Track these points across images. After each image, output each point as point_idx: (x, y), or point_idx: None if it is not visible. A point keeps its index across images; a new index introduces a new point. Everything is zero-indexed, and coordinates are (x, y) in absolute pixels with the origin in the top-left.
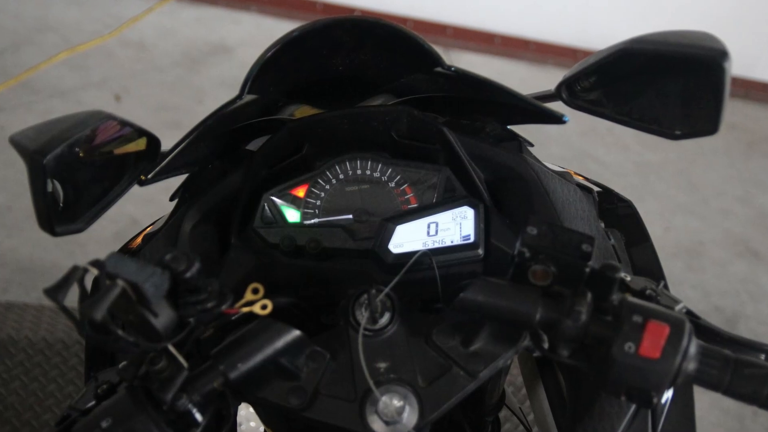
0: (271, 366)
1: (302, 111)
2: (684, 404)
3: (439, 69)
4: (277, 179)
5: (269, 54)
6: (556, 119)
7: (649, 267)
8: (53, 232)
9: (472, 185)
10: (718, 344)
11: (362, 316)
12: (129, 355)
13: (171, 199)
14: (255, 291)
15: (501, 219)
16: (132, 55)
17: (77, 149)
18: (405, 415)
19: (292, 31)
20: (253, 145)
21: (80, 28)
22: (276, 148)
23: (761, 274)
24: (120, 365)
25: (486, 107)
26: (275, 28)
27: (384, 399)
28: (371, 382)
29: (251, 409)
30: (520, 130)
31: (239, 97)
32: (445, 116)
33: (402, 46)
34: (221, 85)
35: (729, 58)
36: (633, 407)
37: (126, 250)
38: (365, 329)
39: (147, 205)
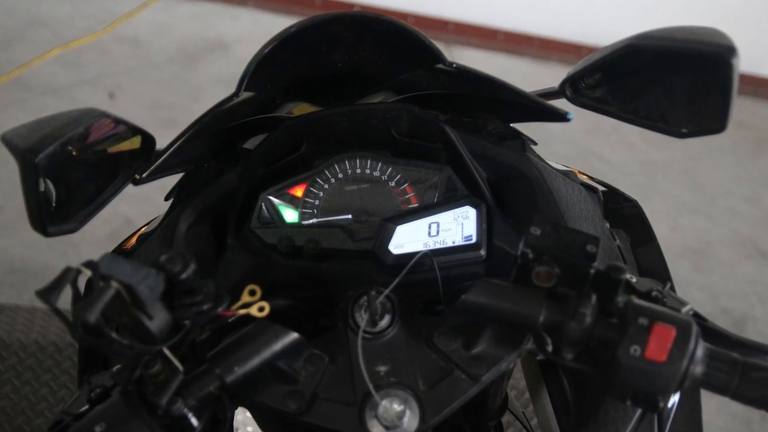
0: (269, 369)
1: (300, 108)
2: (691, 408)
3: (440, 66)
4: (275, 178)
5: (267, 50)
6: (560, 117)
7: (655, 268)
8: (45, 233)
9: (474, 184)
10: (726, 347)
11: (362, 318)
12: (123, 358)
13: (166, 199)
14: (252, 293)
15: (504, 219)
16: (126, 51)
17: (70, 148)
18: (405, 419)
19: (290, 27)
20: (250, 144)
21: (73, 24)
22: (273, 146)
23: None
24: (114, 368)
25: (488, 105)
26: (273, 24)
27: (384, 403)
28: (371, 386)
29: (248, 414)
30: (523, 128)
31: (236, 94)
32: (447, 114)
33: (402, 43)
34: (218, 82)
35: (737, 54)
36: (639, 412)
37: (120, 250)
38: (365, 332)
39: (141, 204)
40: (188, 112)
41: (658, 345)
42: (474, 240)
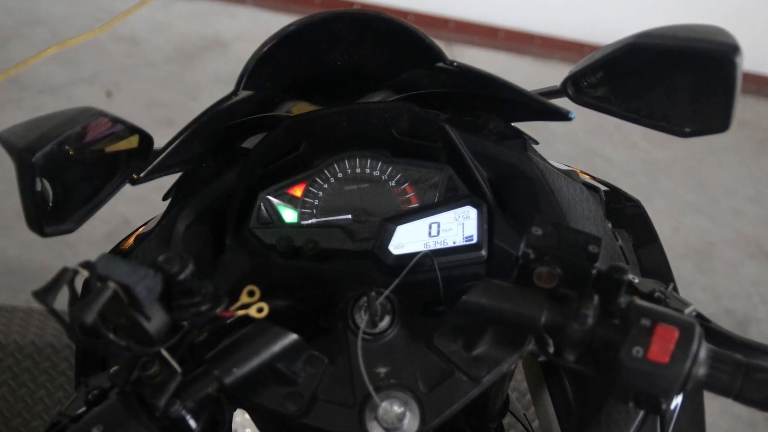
0: (268, 371)
1: (300, 107)
2: (694, 410)
3: (440, 64)
4: (274, 178)
5: (266, 49)
6: (562, 116)
7: (658, 268)
8: (42, 233)
9: (475, 184)
10: (729, 348)
11: (361, 319)
12: (120, 359)
13: (164, 199)
14: (251, 293)
15: (505, 219)
16: (124, 49)
17: (67, 147)
18: (406, 421)
19: (289, 25)
20: (249, 143)
21: (70, 22)
22: (272, 145)
23: None
24: (111, 370)
25: (489, 104)
26: (272, 22)
27: (384, 405)
28: (371, 388)
29: (247, 416)
30: (525, 127)
31: (234, 93)
32: (447, 113)
33: (402, 41)
34: (216, 80)
35: (740, 52)
36: (641, 413)
37: (118, 251)
38: (364, 333)
39: (139, 204)
40: (186, 111)
41: (661, 346)
42: (475, 240)
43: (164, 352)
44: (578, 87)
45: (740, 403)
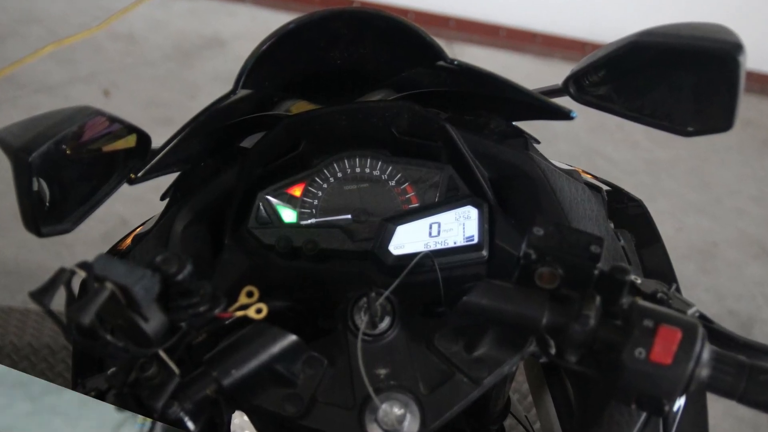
0: (266, 372)
1: (299, 106)
2: (697, 412)
3: (441, 63)
4: (273, 177)
5: (264, 47)
6: (563, 115)
7: (661, 269)
8: (39, 233)
9: (476, 184)
10: (733, 350)
11: (361, 320)
12: (118, 361)
13: (162, 199)
14: (249, 294)
15: (506, 219)
16: (121, 48)
17: (64, 146)
18: (406, 423)
19: (288, 24)
20: (248, 142)
21: (67, 21)
22: (271, 145)
23: None
24: (109, 372)
25: (490, 103)
26: (271, 21)
27: (384, 407)
28: (371, 389)
29: (245, 417)
30: (526, 126)
31: (233, 92)
32: (448, 112)
33: (403, 39)
34: (215, 79)
35: (743, 51)
36: (644, 415)
37: (115, 251)
38: (364, 334)
39: (137, 204)
40: (184, 110)
41: (664, 347)
42: (476, 240)
43: (162, 354)
44: (580, 86)
45: (744, 405)
